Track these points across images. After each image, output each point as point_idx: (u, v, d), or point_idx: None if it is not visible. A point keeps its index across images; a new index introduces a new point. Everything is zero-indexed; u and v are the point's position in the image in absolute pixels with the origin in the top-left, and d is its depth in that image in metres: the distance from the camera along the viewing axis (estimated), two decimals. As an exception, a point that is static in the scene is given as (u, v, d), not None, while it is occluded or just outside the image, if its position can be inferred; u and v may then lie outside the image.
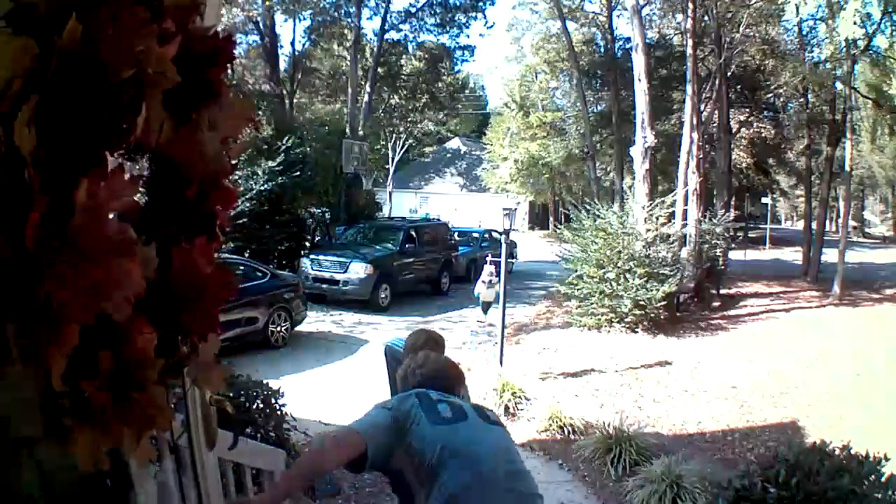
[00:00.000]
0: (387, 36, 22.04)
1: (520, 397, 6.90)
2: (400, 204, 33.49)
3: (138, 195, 0.85)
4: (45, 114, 0.65)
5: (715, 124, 17.94)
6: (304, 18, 20.88)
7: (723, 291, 14.22)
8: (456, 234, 17.18)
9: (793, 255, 22.74)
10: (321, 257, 12.43)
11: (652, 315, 10.56)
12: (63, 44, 0.65)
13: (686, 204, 12.97)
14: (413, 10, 22.37)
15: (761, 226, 31.34)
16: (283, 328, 9.28)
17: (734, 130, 21.72)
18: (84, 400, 0.70)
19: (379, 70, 22.23)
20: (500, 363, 7.71)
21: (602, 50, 24.13)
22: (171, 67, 0.73)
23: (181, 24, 0.78)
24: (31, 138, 0.64)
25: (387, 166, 33.20)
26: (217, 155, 0.89)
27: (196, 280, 0.85)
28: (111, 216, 0.71)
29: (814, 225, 18.44)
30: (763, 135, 24.76)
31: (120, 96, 0.69)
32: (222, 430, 2.15)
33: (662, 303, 10.53)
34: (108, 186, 0.69)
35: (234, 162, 0.95)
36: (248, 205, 12.77)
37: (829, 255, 16.78)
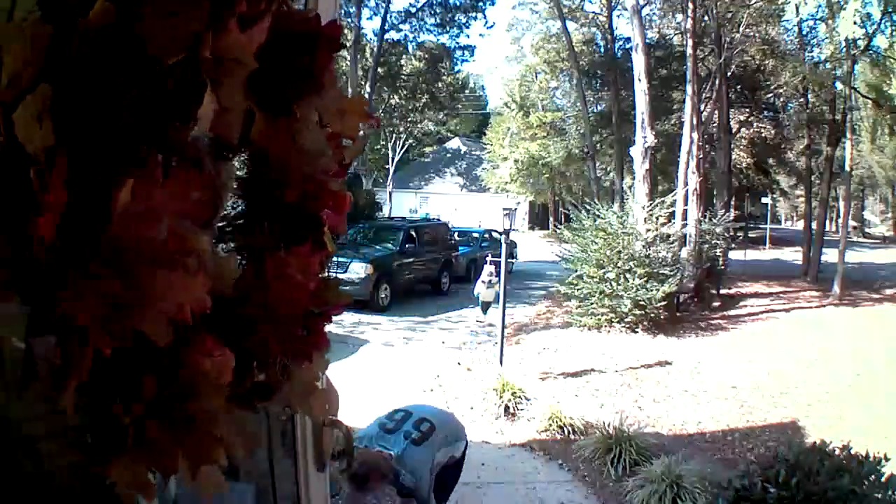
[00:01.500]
0: (387, 36, 22.07)
1: (520, 397, 6.90)
2: (400, 204, 33.50)
3: (233, 198, 0.76)
4: (67, 106, 0.58)
5: (715, 124, 17.94)
6: (304, 18, 20.87)
7: (723, 291, 14.21)
8: (456, 234, 17.18)
9: (793, 255, 22.74)
10: (321, 257, 12.41)
11: (652, 315, 10.55)
12: (90, 27, 0.57)
13: (686, 204, 12.97)
14: (413, 10, 22.41)
15: (761, 226, 31.34)
16: (283, 328, 9.26)
17: (734, 130, 21.72)
18: (122, 428, 0.62)
19: (379, 70, 22.25)
20: (500, 363, 7.71)
21: (602, 50, 24.14)
22: (248, 54, 0.65)
23: (264, 6, 0.68)
24: (43, 134, 0.56)
25: (387, 166, 33.21)
26: (320, 152, 0.79)
27: (291, 294, 0.75)
28: (163, 220, 0.61)
29: (814, 225, 18.43)
30: (763, 135, 24.75)
31: (166, 85, 0.61)
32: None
33: (662, 303, 10.53)
34: (157, 188, 0.60)
35: (346, 163, 0.85)
36: (248, 205, 12.78)
37: (829, 255, 16.78)
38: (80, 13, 0.57)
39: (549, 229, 33.75)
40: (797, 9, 13.92)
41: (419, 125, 34.72)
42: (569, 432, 6.22)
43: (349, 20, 20.63)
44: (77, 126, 0.58)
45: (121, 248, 0.58)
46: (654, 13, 21.19)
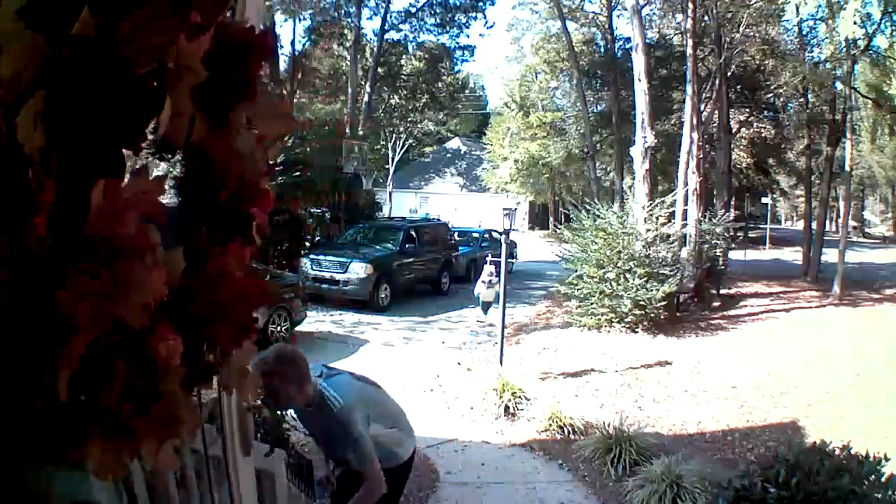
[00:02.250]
0: (387, 36, 22.08)
1: (520, 397, 6.89)
2: (400, 204, 33.50)
3: (170, 196, 0.82)
4: (57, 110, 0.62)
5: (715, 124, 17.94)
6: (304, 18, 20.91)
7: (723, 291, 14.21)
8: (456, 234, 17.18)
9: (793, 255, 22.74)
10: (321, 257, 12.42)
11: (652, 315, 10.55)
12: (76, 37, 0.62)
13: (686, 204, 12.97)
14: (413, 10, 22.43)
15: (761, 226, 31.35)
16: (283, 328, 9.27)
17: (734, 130, 21.71)
18: (99, 409, 0.68)
19: (379, 70, 22.26)
20: (500, 363, 7.70)
21: (602, 50, 24.14)
22: (197, 62, 0.70)
23: (210, 17, 0.73)
24: (39, 136, 0.61)
25: (387, 166, 33.21)
26: (252, 155, 0.85)
27: (228, 286, 0.82)
28: (132, 218, 0.67)
29: (814, 225, 18.43)
30: (763, 135, 24.76)
31: (140, 92, 0.66)
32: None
33: (662, 303, 10.52)
34: (127, 187, 0.66)
35: (272, 163, 0.92)
36: (248, 205, 12.77)
37: (829, 255, 16.78)
38: (66, 25, 0.61)
39: (549, 229, 33.77)
40: (797, 9, 13.91)
41: (419, 125, 34.72)
42: (569, 432, 6.22)
43: (349, 20, 20.66)
44: (62, 129, 0.62)
45: (98, 244, 0.63)
46: (654, 13, 21.20)
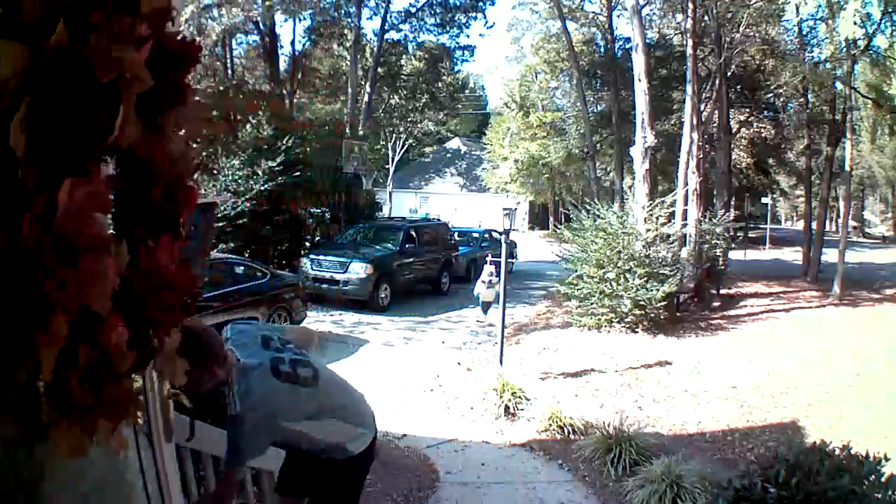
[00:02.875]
0: (387, 36, 22.06)
1: (520, 397, 6.90)
2: (400, 204, 33.51)
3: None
4: (35, 115, 0.67)
5: (715, 124, 17.94)
6: (304, 18, 20.89)
7: (723, 291, 14.21)
8: (456, 234, 17.18)
9: (793, 255, 22.74)
10: (321, 257, 12.42)
11: (652, 315, 10.55)
12: (52, 48, 0.67)
13: (686, 204, 12.96)
14: (413, 10, 22.40)
15: (761, 226, 31.36)
16: (283, 328, 9.27)
17: (734, 130, 21.71)
18: (64, 393, 0.73)
19: (379, 70, 22.25)
20: (500, 363, 7.70)
21: (602, 50, 24.14)
22: (145, 71, 0.76)
23: (156, 28, 0.81)
24: (23, 140, 0.66)
25: (387, 166, 33.22)
26: (182, 156, 0.92)
27: (161, 277, 0.89)
28: (93, 215, 0.74)
29: (814, 225, 18.43)
30: (763, 135, 24.76)
31: (104, 99, 0.73)
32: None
33: (662, 303, 10.52)
34: (89, 187, 0.72)
35: (197, 162, 1.00)
36: (248, 205, 12.77)
37: (829, 255, 16.78)
38: (44, 37, 0.67)
39: (549, 229, 33.77)
40: (797, 9, 13.91)
41: (419, 125, 34.69)
42: (569, 432, 6.22)
43: (349, 20, 20.65)
44: (40, 134, 0.69)
45: (67, 239, 0.70)
46: (654, 13, 21.18)
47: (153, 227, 0.89)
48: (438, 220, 19.08)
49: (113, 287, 0.75)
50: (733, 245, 17.57)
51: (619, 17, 21.97)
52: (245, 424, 2.16)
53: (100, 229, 0.74)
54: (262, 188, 13.01)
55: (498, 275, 8.64)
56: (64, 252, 0.70)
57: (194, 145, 0.99)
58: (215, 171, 13.35)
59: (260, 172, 13.10)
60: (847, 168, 16.43)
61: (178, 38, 0.89)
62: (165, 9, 0.84)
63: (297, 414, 2.38)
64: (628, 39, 19.96)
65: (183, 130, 0.93)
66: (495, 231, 17.13)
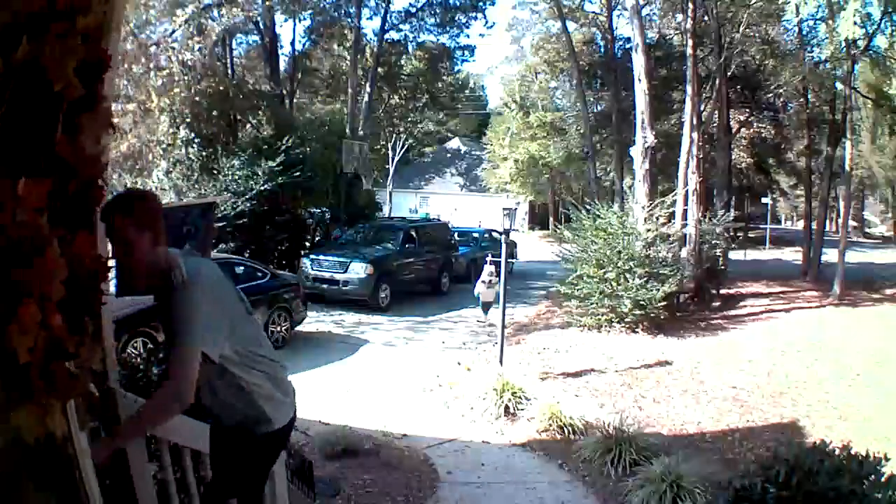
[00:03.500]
0: (387, 36, 22.06)
1: (520, 397, 6.89)
2: (400, 204, 33.51)
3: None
4: (4, 121, 0.75)
5: (715, 124, 17.93)
6: (304, 18, 20.90)
7: (723, 291, 14.21)
8: (456, 234, 17.17)
9: (793, 255, 22.73)
10: (321, 257, 12.43)
11: (652, 315, 10.55)
12: (18, 60, 0.74)
13: (686, 204, 12.97)
14: (413, 10, 22.41)
15: (761, 226, 31.34)
16: (283, 328, 9.28)
17: (734, 130, 21.71)
18: (24, 376, 0.79)
19: (379, 70, 22.25)
20: (500, 363, 7.70)
21: (602, 50, 24.13)
22: (76, 80, 0.83)
23: (91, 40, 0.89)
24: None
25: (387, 166, 33.21)
26: (94, 157, 0.99)
27: (84, 267, 0.97)
28: (43, 212, 0.82)
29: (814, 225, 18.41)
30: (763, 135, 24.75)
31: (59, 107, 0.80)
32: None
33: (662, 303, 10.52)
34: (41, 186, 0.80)
35: (105, 162, 1.08)
36: (248, 205, 12.77)
37: (830, 255, 16.77)
38: (11, 50, 0.74)
39: (549, 229, 33.73)
40: (797, 9, 13.92)
41: (419, 125, 34.73)
42: (569, 432, 6.22)
43: (349, 20, 20.65)
44: (7, 137, 0.76)
45: (28, 231, 0.77)
46: (654, 13, 21.19)
47: (72, 223, 0.96)
48: (438, 220, 19.11)
49: (63, 277, 0.81)
50: (733, 245, 17.57)
51: (619, 17, 21.98)
52: (196, 291, 1.96)
53: (45, 226, 0.82)
54: (262, 188, 13.01)
55: (498, 275, 8.65)
56: (34, 244, 0.76)
57: (101, 147, 1.06)
58: (215, 171, 13.35)
59: (260, 172, 13.10)
60: (847, 168, 16.43)
61: (101, 48, 0.98)
62: (98, 24, 0.92)
63: (232, 314, 2.15)
64: (628, 39, 19.95)
65: (95, 134, 1.00)
66: (495, 231, 17.11)
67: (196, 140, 13.79)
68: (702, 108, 15.16)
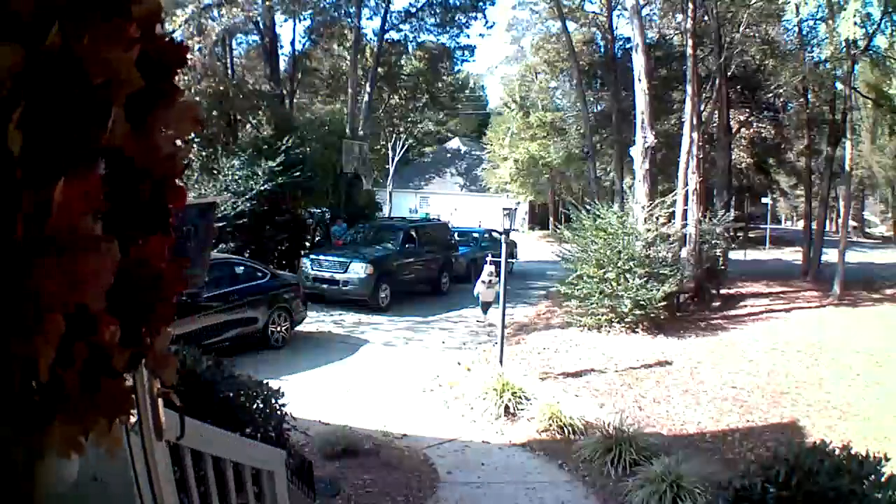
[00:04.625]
0: (387, 36, 22.04)
1: (520, 397, 6.90)
2: (400, 204, 33.50)
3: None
4: (31, 116, 0.69)
5: (715, 124, 17.93)
6: (304, 18, 20.87)
7: (723, 291, 14.21)
8: (456, 234, 17.17)
9: (793, 255, 22.73)
10: (321, 257, 12.43)
11: (652, 315, 10.55)
12: (46, 49, 0.69)
13: (686, 204, 12.96)
14: (413, 10, 22.39)
15: (761, 226, 31.34)
16: (283, 328, 9.28)
17: (734, 130, 21.70)
18: (60, 391, 0.75)
19: (379, 70, 22.23)
20: (500, 363, 7.71)
21: (602, 50, 24.12)
22: (135, 72, 0.78)
23: (146, 30, 0.82)
24: (20, 139, 0.67)
25: (387, 166, 33.21)
26: (170, 156, 0.94)
27: (152, 275, 0.91)
28: (87, 213, 0.75)
29: (814, 225, 18.42)
30: (763, 135, 24.74)
31: (96, 100, 0.74)
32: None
33: (662, 303, 10.52)
34: (82, 186, 0.74)
35: (185, 162, 1.02)
36: (248, 205, 12.77)
37: (829, 255, 16.78)
38: (39, 39, 0.69)
39: (549, 229, 33.74)
40: (797, 9, 13.92)
41: (419, 125, 34.71)
42: (569, 432, 6.22)
43: (349, 20, 20.63)
44: (35, 133, 0.70)
45: (62, 235, 0.71)
46: (654, 13, 21.18)
47: (143, 226, 0.91)
48: (438, 220, 19.10)
49: (107, 285, 0.76)
50: (733, 245, 17.56)
51: (619, 17, 21.97)
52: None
53: (93, 228, 0.76)
54: (262, 188, 13.01)
55: (498, 275, 8.65)
56: (60, 250, 0.71)
57: (182, 145, 1.02)
58: (215, 171, 13.35)
59: (260, 172, 13.10)
60: (847, 168, 16.43)
61: (167, 39, 0.91)
62: (155, 11, 0.86)
63: None
64: (628, 39, 19.95)
65: (171, 131, 0.94)
66: (495, 231, 17.11)
67: (196, 140, 13.79)
68: (702, 108, 15.16)
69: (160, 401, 1.61)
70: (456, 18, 23.03)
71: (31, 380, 0.73)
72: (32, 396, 0.74)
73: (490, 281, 9.23)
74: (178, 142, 1.00)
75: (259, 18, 17.48)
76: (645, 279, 10.61)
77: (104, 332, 0.79)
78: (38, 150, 0.70)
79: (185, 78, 13.38)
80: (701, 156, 13.50)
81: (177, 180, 0.98)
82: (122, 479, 1.78)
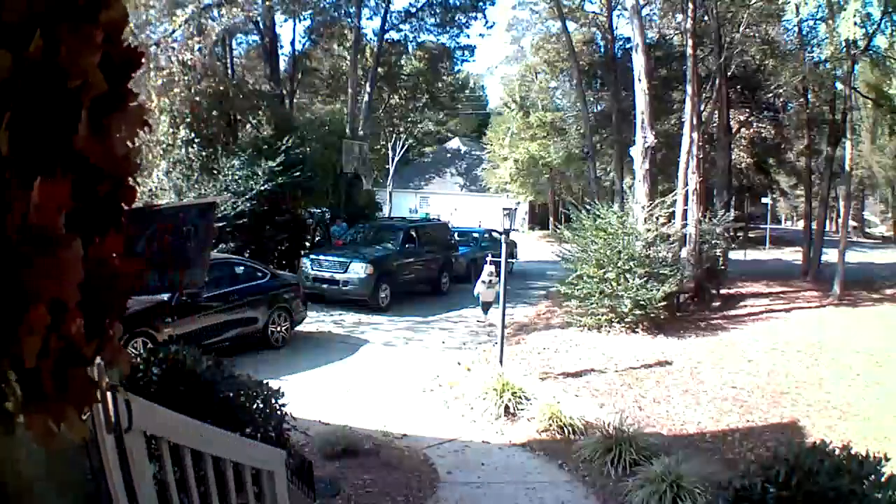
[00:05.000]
0: (387, 36, 22.04)
1: (520, 397, 6.90)
2: (400, 204, 33.50)
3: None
4: (16, 118, 0.73)
5: (715, 124, 17.93)
6: (304, 18, 20.88)
7: (723, 291, 14.20)
8: (456, 234, 17.17)
9: (793, 255, 22.73)
10: (321, 257, 12.43)
11: (652, 315, 10.55)
12: (30, 56, 0.73)
13: (686, 204, 12.96)
14: (413, 10, 22.40)
15: (761, 226, 31.34)
16: (283, 328, 9.28)
17: (734, 130, 21.70)
18: (35, 382, 0.78)
19: (379, 70, 22.24)
20: (500, 363, 7.71)
21: (602, 50, 24.12)
22: (100, 76, 0.82)
23: (111, 35, 0.87)
24: (7, 139, 0.71)
25: (387, 166, 33.21)
26: (125, 156, 0.98)
27: (110, 273, 0.96)
28: (60, 212, 0.79)
29: (814, 225, 18.41)
30: (763, 135, 24.74)
31: (74, 103, 0.78)
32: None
33: (662, 303, 10.52)
34: (56, 186, 0.78)
35: (136, 162, 1.06)
36: (248, 205, 12.77)
37: (829, 255, 16.77)
38: (23, 44, 0.73)
39: (549, 229, 33.74)
40: (797, 9, 13.91)
41: (419, 125, 34.72)
42: (569, 432, 6.22)
43: (349, 20, 20.63)
44: (19, 135, 0.74)
45: (40, 233, 0.75)
46: (654, 13, 21.17)
47: (100, 225, 0.95)
48: (438, 220, 19.10)
49: (80, 280, 0.79)
50: (733, 245, 17.56)
51: (619, 17, 21.97)
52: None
53: (62, 227, 0.80)
54: (262, 188, 13.01)
55: (498, 275, 8.64)
56: (43, 247, 0.74)
57: (132, 147, 1.06)
58: (215, 171, 13.35)
59: (260, 172, 13.10)
60: (847, 168, 16.43)
61: (125, 45, 0.95)
62: (120, 19, 0.90)
63: None
64: (628, 39, 19.95)
65: (125, 133, 0.99)
66: (495, 231, 17.11)
67: (196, 140, 13.79)
68: (702, 108, 15.16)
69: (108, 395, 1.66)
70: (456, 18, 23.04)
71: (11, 369, 0.76)
72: (2, 389, 0.77)
73: (490, 281, 9.23)
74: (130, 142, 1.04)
75: (259, 18, 17.47)
76: (645, 279, 10.61)
77: (72, 325, 0.82)
78: (22, 152, 0.73)
79: (186, 78, 13.37)
80: (701, 156, 13.50)
81: (129, 180, 1.02)
82: (77, 470, 1.81)
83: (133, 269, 1.02)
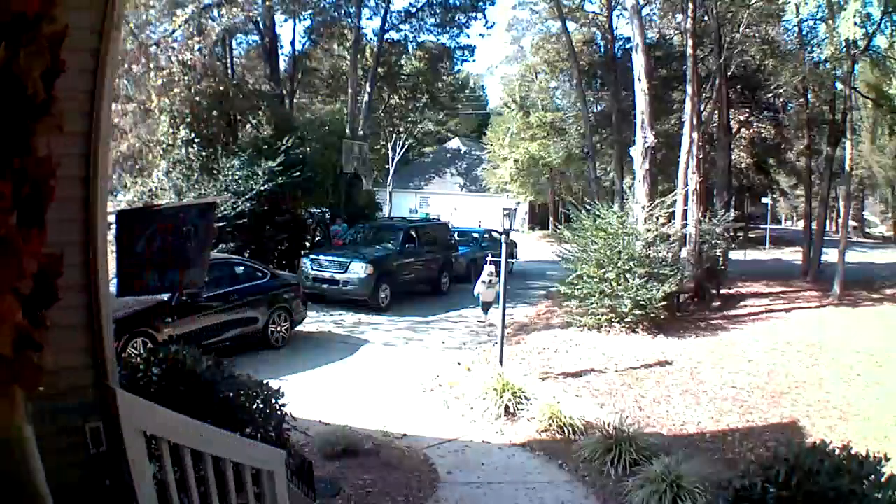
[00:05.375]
0: (387, 36, 22.03)
1: (520, 397, 6.89)
2: (400, 204, 33.51)
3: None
4: None
5: (715, 124, 17.92)
6: (304, 18, 20.87)
7: (723, 291, 14.20)
8: (456, 234, 17.18)
9: (793, 255, 22.73)
10: (321, 257, 12.43)
11: (652, 315, 10.54)
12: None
13: (686, 204, 12.96)
14: (413, 10, 22.39)
15: (761, 226, 31.35)
16: (283, 328, 9.28)
17: (734, 130, 21.69)
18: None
19: (379, 70, 22.23)
20: (500, 363, 7.70)
21: (602, 50, 24.11)
22: (42, 84, 0.88)
23: (51, 46, 0.93)
24: None
25: (387, 166, 33.21)
26: (47, 158, 1.03)
27: (40, 266, 1.02)
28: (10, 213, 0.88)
29: (814, 225, 18.41)
30: (763, 135, 24.72)
31: (31, 109, 0.85)
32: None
33: (662, 303, 10.52)
34: (5, 187, 0.84)
35: (56, 163, 1.11)
36: (248, 205, 12.77)
37: (830, 255, 16.77)
38: None
39: (549, 229, 33.74)
40: (797, 9, 13.91)
41: (419, 125, 34.72)
42: (569, 432, 6.22)
43: (349, 20, 20.63)
44: None
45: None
46: (654, 13, 21.18)
47: (26, 223, 1.00)
48: (438, 220, 19.10)
49: (33, 271, 0.87)
50: (733, 245, 17.56)
51: (619, 17, 21.97)
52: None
53: (14, 223, 0.87)
54: (262, 188, 13.00)
55: (498, 275, 8.64)
56: (4, 242, 0.82)
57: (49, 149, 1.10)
58: (215, 171, 13.35)
59: (260, 172, 13.10)
60: (847, 168, 16.43)
61: (57, 56, 1.00)
62: (61, 31, 0.95)
63: None
64: (628, 39, 19.95)
65: (47, 136, 1.03)
66: (495, 231, 17.11)
67: (196, 140, 13.78)
68: (702, 108, 15.16)
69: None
70: (456, 18, 23.03)
71: None
72: None
73: (490, 281, 9.22)
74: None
75: (259, 18, 17.48)
76: (645, 279, 10.61)
77: (21, 313, 0.88)
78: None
79: (186, 78, 13.36)
80: (701, 156, 13.50)
81: (50, 181, 1.07)
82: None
83: (57, 265, 1.09)
